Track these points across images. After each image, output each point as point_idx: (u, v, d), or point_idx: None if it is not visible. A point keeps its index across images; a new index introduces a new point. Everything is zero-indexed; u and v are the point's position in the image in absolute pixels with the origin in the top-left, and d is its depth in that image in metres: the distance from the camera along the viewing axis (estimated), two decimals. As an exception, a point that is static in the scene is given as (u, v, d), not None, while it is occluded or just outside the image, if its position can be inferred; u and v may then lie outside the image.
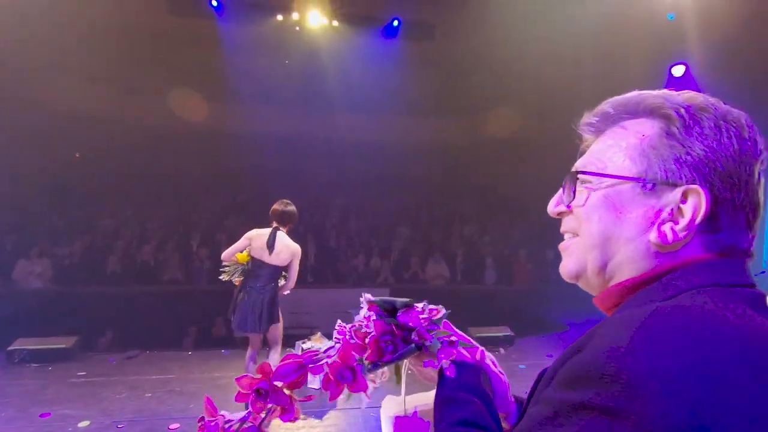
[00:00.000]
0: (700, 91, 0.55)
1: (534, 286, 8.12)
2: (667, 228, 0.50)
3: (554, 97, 7.57)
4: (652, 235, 0.51)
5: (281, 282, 3.76)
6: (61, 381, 4.57)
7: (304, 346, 4.41)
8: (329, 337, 4.48)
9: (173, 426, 3.51)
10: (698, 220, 0.49)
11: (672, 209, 0.50)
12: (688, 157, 0.50)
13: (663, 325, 0.41)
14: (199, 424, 0.67)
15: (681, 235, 0.49)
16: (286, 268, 3.71)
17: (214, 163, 9.76)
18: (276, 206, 3.73)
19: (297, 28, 8.89)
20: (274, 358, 3.69)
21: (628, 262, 0.53)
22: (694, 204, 0.49)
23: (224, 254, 3.64)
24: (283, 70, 9.64)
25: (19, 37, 6.74)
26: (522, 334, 6.13)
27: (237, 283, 3.66)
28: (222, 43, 8.95)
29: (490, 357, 0.76)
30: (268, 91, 9.71)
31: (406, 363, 0.74)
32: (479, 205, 10.40)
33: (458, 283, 8.35)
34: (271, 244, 3.58)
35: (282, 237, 3.65)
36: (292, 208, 3.76)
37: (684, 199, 0.50)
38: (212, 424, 0.67)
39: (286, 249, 3.65)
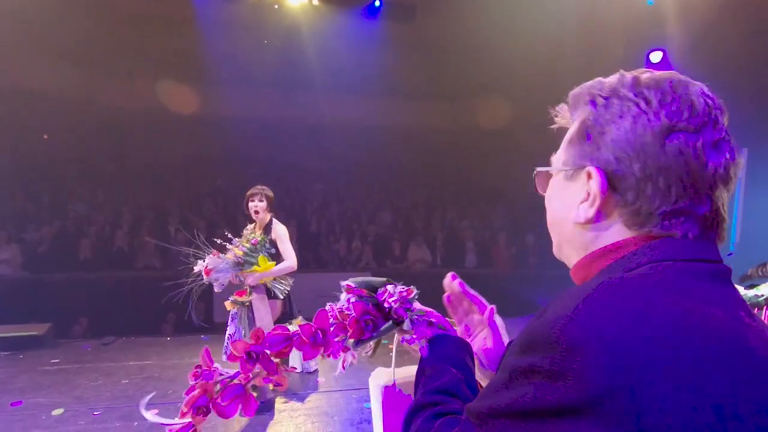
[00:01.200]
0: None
1: (514, 270, 8.25)
2: (582, 207, 0.56)
3: (535, 83, 7.59)
4: (573, 215, 0.57)
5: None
6: (33, 369, 4.45)
7: (285, 330, 4.39)
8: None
9: (152, 411, 3.46)
10: (595, 195, 0.54)
11: (586, 190, 0.55)
12: (597, 139, 0.55)
13: (606, 295, 0.44)
14: (195, 370, 0.76)
15: (590, 213, 0.55)
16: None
17: (190, 147, 9.50)
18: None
19: (276, 7, 8.65)
20: None
21: (569, 242, 0.60)
22: (593, 182, 0.54)
23: (295, 262, 3.38)
24: (262, 51, 9.39)
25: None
26: (503, 317, 6.22)
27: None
28: (197, 22, 8.64)
29: (499, 320, 0.86)
30: (246, 73, 9.46)
31: (396, 338, 0.81)
32: (460, 189, 10.44)
33: (439, 267, 8.42)
34: None
35: None
36: None
37: (589, 178, 0.55)
38: (207, 372, 0.76)
39: None
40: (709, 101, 0.52)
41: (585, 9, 6.84)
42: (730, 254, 5.45)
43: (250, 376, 0.77)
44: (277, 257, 3.36)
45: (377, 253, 8.44)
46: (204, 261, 3.17)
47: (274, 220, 3.50)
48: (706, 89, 0.54)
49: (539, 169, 0.64)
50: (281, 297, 3.35)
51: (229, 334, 3.29)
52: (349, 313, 0.77)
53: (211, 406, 0.75)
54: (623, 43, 6.74)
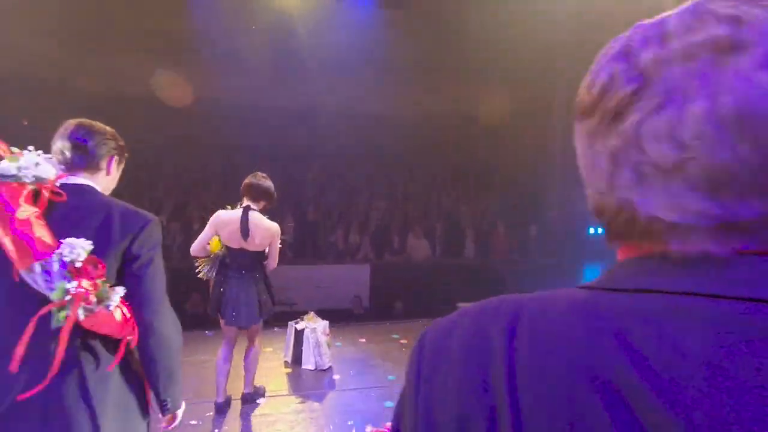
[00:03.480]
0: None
1: (515, 260, 8.21)
2: None
3: (534, 70, 7.46)
4: None
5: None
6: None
7: (298, 326, 4.24)
8: (322, 316, 4.33)
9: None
10: None
11: None
12: None
13: None
14: None
15: None
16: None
17: (179, 133, 9.18)
18: (248, 180, 3.09)
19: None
20: (256, 353, 3.33)
21: None
22: None
23: (193, 249, 3.06)
24: (253, 34, 9.05)
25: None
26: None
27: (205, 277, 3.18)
28: (184, 3, 8.29)
29: None
30: (237, 56, 9.12)
31: None
32: (457, 178, 10.33)
33: (438, 258, 8.32)
34: (245, 230, 2.97)
35: (257, 218, 3.02)
36: (267, 183, 3.11)
37: None
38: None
39: (266, 232, 3.04)
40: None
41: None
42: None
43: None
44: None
45: (375, 243, 8.30)
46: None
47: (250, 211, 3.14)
48: None
49: None
50: (201, 276, 3.23)
51: None
52: None
53: None
54: (629, 22, 6.63)
